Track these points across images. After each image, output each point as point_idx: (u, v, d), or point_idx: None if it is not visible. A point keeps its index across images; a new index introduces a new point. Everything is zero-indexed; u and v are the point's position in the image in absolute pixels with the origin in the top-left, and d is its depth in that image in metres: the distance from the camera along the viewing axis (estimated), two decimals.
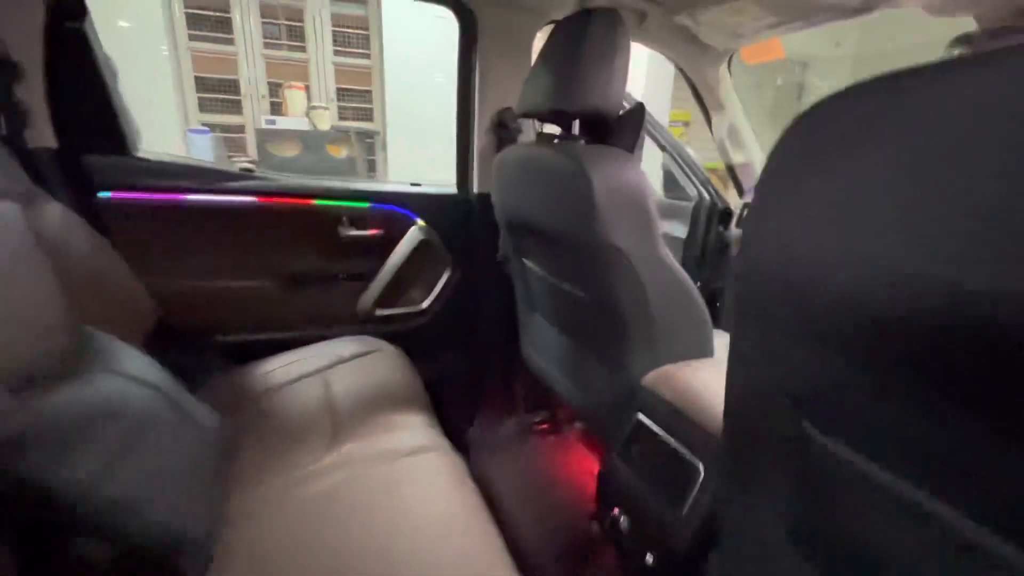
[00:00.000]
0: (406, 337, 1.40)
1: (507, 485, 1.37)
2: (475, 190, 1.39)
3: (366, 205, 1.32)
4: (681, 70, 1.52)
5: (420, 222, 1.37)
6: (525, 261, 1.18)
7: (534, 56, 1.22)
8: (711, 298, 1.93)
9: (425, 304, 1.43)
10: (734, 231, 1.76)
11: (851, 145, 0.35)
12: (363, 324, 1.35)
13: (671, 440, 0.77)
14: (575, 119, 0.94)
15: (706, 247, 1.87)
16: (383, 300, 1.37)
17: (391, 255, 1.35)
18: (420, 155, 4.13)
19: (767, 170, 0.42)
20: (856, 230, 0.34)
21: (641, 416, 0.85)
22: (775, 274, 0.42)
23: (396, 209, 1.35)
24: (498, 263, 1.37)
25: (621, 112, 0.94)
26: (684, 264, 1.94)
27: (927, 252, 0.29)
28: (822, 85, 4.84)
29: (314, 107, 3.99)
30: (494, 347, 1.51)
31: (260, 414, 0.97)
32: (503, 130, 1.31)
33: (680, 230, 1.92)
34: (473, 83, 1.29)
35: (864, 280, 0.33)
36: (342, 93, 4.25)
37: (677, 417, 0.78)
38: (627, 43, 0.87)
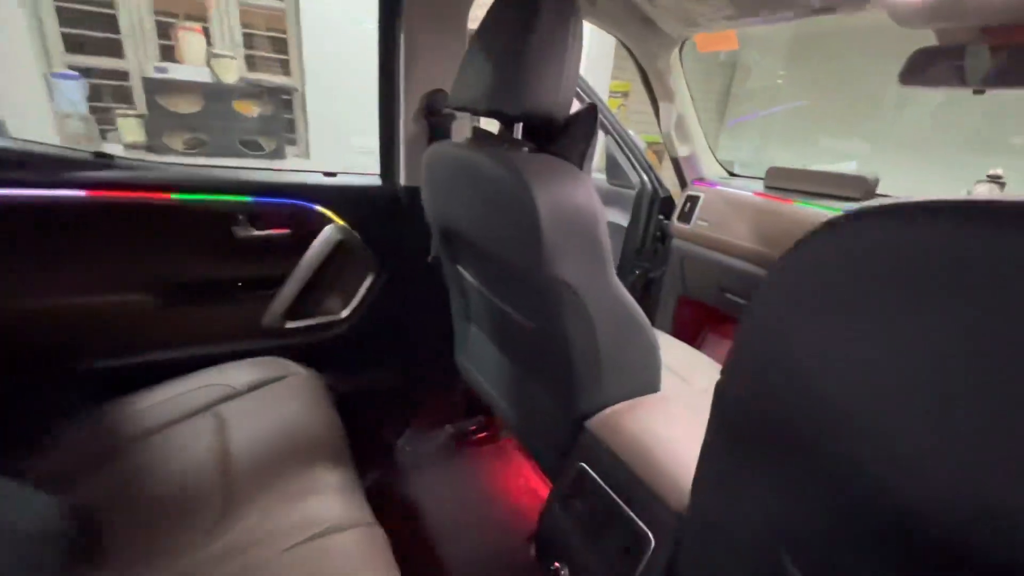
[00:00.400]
0: (323, 350, 1.23)
1: (439, 505, 1.28)
2: (402, 182, 1.21)
3: (269, 200, 1.10)
4: (632, 55, 1.40)
5: (337, 219, 1.18)
6: (460, 268, 1.04)
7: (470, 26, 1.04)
8: (647, 287, 1.92)
9: (345, 312, 1.26)
10: (675, 223, 1.72)
11: (899, 291, 0.27)
12: (270, 339, 1.16)
13: (619, 502, 0.70)
14: (518, 122, 0.80)
15: (646, 236, 1.84)
16: (294, 310, 1.18)
17: (303, 258, 1.16)
18: (347, 116, 3.76)
19: (781, 277, 0.32)
20: (889, 402, 0.28)
21: (586, 466, 0.77)
22: (779, 403, 0.34)
23: (307, 204, 1.14)
24: (430, 264, 1.22)
25: (572, 112, 0.81)
26: (624, 253, 1.92)
27: (970, 466, 0.25)
28: (761, 60, 4.94)
29: (217, 55, 3.44)
30: (427, 354, 1.38)
31: (131, 474, 0.79)
32: (434, 116, 1.13)
33: (622, 217, 1.87)
34: (397, 59, 1.09)
35: (888, 463, 0.28)
36: (250, 40, 3.69)
37: (625, 475, 0.71)
38: (581, 32, 0.73)
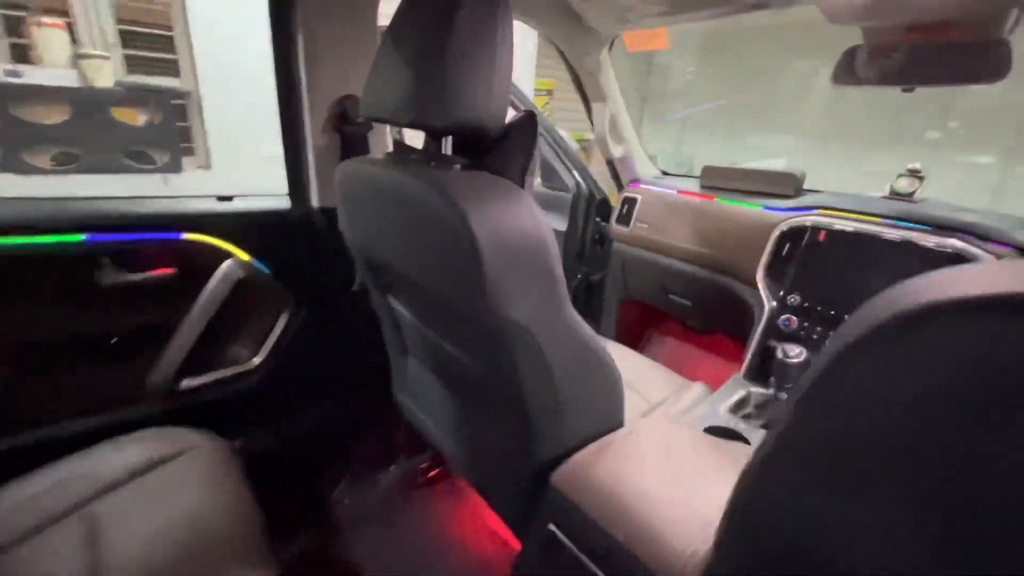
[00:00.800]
0: (232, 409, 1.04)
1: (389, 563, 1.13)
2: (315, 203, 1.05)
3: (144, 236, 0.90)
4: (561, 54, 1.32)
5: (238, 252, 0.99)
6: (391, 301, 0.91)
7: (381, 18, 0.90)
8: (588, 290, 1.87)
9: (257, 360, 1.07)
10: (614, 225, 1.68)
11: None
12: (161, 403, 0.96)
13: (597, 572, 0.61)
14: (446, 135, 0.68)
15: (585, 240, 1.80)
16: (190, 366, 0.98)
17: (196, 303, 0.96)
18: (253, 120, 3.40)
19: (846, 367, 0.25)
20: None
21: (555, 530, 0.67)
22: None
23: (195, 237, 0.95)
24: (355, 293, 1.07)
25: (508, 121, 0.70)
26: (564, 257, 1.86)
27: None
28: (676, 59, 5.13)
29: (85, 54, 2.96)
30: (359, 393, 1.22)
31: None
32: (347, 125, 0.98)
33: (559, 222, 1.81)
34: (296, 59, 0.92)
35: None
36: (128, 37, 3.22)
37: (601, 539, 0.62)
38: (511, 27, 0.63)
